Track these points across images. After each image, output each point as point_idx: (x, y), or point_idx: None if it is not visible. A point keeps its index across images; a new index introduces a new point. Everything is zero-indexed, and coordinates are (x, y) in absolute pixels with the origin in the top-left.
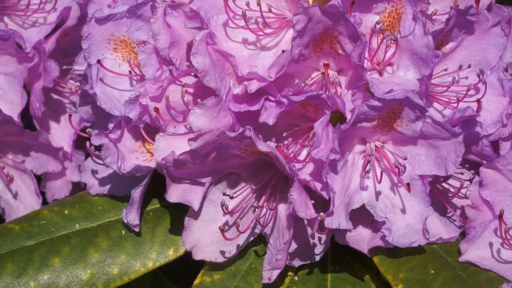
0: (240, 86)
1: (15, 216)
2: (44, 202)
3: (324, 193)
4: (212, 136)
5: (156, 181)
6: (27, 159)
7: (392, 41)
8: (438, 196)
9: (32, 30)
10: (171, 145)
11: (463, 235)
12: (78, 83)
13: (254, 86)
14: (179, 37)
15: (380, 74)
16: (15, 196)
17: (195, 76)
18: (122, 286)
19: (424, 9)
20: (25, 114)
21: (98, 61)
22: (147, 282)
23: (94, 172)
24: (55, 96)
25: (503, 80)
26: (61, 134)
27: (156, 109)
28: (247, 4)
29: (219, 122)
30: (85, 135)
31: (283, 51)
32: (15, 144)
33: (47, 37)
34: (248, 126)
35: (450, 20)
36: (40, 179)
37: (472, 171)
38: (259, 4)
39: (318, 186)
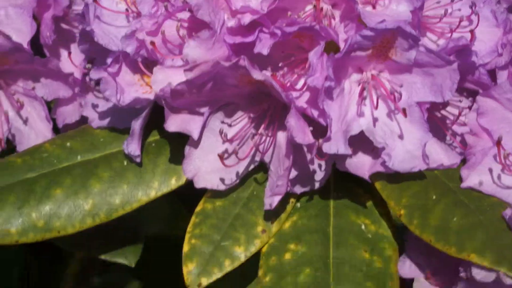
0: (234, 19)
1: (26, 142)
2: (55, 129)
3: (321, 120)
4: (208, 66)
5: (157, 114)
6: (37, 86)
7: None
8: (438, 123)
9: None
10: (169, 77)
11: (464, 162)
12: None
13: (247, 18)
14: None
15: (373, 7)
16: (25, 122)
17: (190, 11)
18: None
19: None
20: (36, 46)
21: (94, 0)
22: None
23: (94, 106)
24: (64, 26)
25: (496, 12)
26: (71, 62)
27: (153, 43)
28: None
29: (214, 53)
30: (84, 70)
31: None
32: (25, 72)
33: None
34: (242, 56)
35: None
36: (50, 108)
37: (470, 99)
38: None
39: (315, 113)
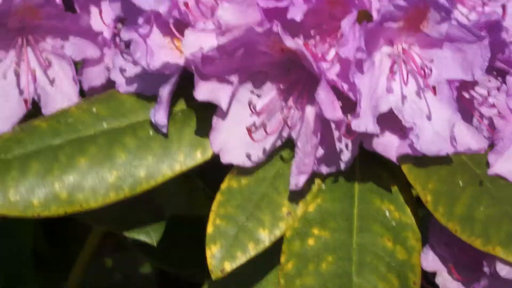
0: None
1: (51, 103)
2: (81, 92)
3: (351, 94)
4: (240, 32)
5: (184, 81)
6: (66, 44)
7: None
8: (466, 105)
9: None
10: (200, 41)
11: (491, 147)
12: None
13: None
14: None
15: None
16: (52, 82)
17: None
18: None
19: None
20: (66, 1)
21: None
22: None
23: (122, 70)
24: None
25: None
26: (101, 19)
27: (186, 4)
28: None
29: (247, 17)
30: (115, 31)
31: None
32: (55, 28)
33: None
34: (275, 22)
35: None
36: (77, 70)
37: (500, 79)
38: None
39: (345, 87)
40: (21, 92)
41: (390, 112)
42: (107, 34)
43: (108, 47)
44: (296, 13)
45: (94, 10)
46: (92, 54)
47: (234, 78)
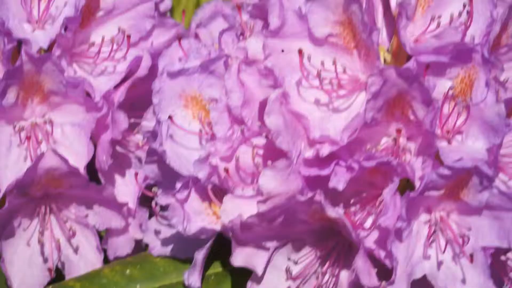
0: (312, 149)
1: (75, 271)
2: (105, 260)
3: (387, 262)
4: (281, 200)
5: (218, 244)
6: (90, 214)
7: (464, 108)
8: (496, 268)
9: (101, 78)
10: (239, 207)
11: None
12: (145, 139)
13: (326, 150)
14: (252, 95)
15: (449, 142)
16: (75, 251)
17: (266, 137)
18: None
19: (496, 75)
20: (89, 166)
21: (170, 118)
22: None
23: (157, 233)
24: (120, 150)
25: None
26: (126, 189)
27: (226, 170)
28: (322, 63)
29: (289, 185)
30: (150, 194)
31: (356, 115)
32: (79, 197)
33: (116, 87)
34: (318, 191)
35: None
36: (101, 237)
37: None
38: (334, 64)
39: (382, 254)
40: (45, 260)
41: (424, 277)
42: (132, 204)
43: (133, 217)
44: (339, 182)
45: (119, 179)
46: (116, 224)
47: (271, 244)
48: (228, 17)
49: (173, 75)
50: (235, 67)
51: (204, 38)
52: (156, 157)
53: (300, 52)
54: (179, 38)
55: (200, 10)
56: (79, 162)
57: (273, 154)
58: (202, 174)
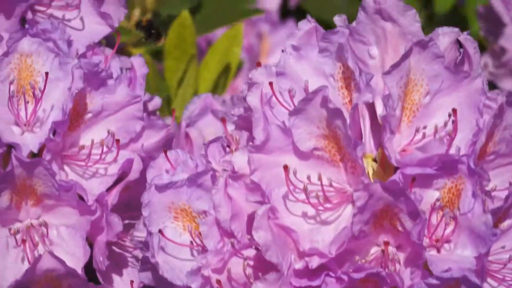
0: (301, 261)
1: None
2: None
3: None
4: None
5: None
6: None
7: (451, 219)
8: None
9: (93, 181)
10: None
11: None
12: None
13: (315, 262)
14: (240, 209)
15: (438, 250)
16: None
17: (256, 249)
18: None
19: (483, 185)
20: (88, 265)
21: (160, 231)
22: None
23: None
24: (117, 250)
25: None
26: None
27: (219, 282)
28: (308, 177)
29: None
30: None
31: (344, 227)
32: None
33: (108, 189)
34: None
35: (509, 197)
36: None
37: None
38: (320, 179)
39: None
40: None
41: None
42: None
43: None
44: None
45: (117, 279)
46: None
47: None
48: (218, 114)
49: (161, 188)
50: (222, 182)
51: (195, 139)
52: (150, 264)
53: (286, 167)
54: (164, 151)
55: (190, 104)
56: (76, 263)
57: (264, 265)
58: (195, 285)
